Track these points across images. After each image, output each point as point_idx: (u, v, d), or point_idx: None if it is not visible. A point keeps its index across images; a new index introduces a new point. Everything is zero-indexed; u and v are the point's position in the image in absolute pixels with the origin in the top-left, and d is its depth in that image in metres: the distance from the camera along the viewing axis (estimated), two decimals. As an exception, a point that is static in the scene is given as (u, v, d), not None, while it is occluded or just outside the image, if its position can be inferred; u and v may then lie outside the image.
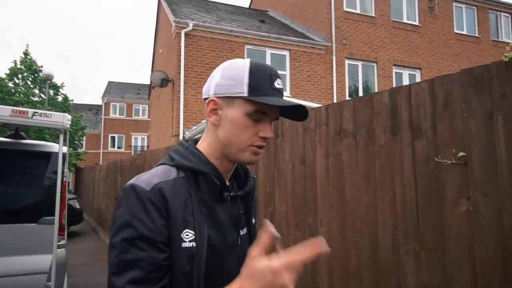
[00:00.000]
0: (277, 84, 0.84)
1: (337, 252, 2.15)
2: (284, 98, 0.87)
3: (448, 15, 12.87)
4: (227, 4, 14.15)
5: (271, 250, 0.62)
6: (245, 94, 0.81)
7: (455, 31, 12.91)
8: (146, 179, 0.80)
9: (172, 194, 0.78)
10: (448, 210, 1.59)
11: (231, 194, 0.89)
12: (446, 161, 1.61)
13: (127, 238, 0.72)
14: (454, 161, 1.58)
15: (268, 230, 0.62)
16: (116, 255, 0.72)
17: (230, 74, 0.84)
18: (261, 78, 0.82)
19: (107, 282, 0.72)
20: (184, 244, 0.76)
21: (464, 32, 13.10)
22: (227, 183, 0.91)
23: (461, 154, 1.55)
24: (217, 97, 0.85)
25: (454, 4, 13.08)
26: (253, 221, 0.99)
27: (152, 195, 0.76)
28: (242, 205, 0.93)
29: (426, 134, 1.72)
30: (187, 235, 0.77)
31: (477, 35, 13.28)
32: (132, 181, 0.80)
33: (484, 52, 13.19)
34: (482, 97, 1.51)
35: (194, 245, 0.77)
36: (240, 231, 0.90)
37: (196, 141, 0.92)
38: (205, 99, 0.88)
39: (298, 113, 0.87)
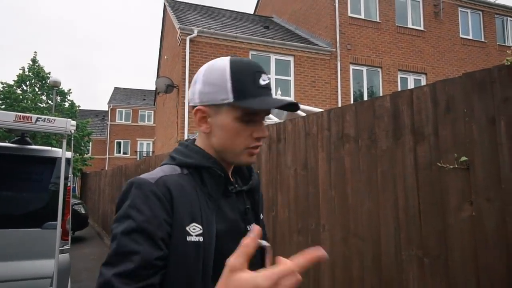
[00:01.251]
0: (263, 80, 0.80)
1: (340, 257, 2.13)
2: (272, 94, 0.84)
3: (453, 20, 12.83)
4: (232, 11, 14.27)
5: (259, 262, 0.51)
6: (231, 100, 0.78)
7: (461, 36, 12.86)
8: (151, 174, 0.79)
9: (178, 187, 0.77)
10: (451, 216, 1.57)
11: (236, 186, 0.87)
12: (448, 165, 1.59)
13: (125, 229, 0.71)
14: (456, 166, 1.56)
15: (254, 235, 0.50)
16: (113, 246, 0.71)
17: (212, 80, 0.80)
18: (245, 79, 0.79)
19: (100, 270, 0.71)
20: (190, 238, 0.74)
21: (470, 37, 13.04)
22: (231, 179, 0.90)
23: (463, 158, 1.53)
24: (204, 105, 0.82)
25: (460, 9, 13.05)
26: (261, 216, 0.97)
27: (156, 187, 0.75)
28: (248, 200, 0.91)
29: (428, 138, 1.70)
30: (194, 229, 0.75)
31: (483, 40, 13.21)
32: (138, 176, 0.80)
33: (490, 57, 13.10)
34: (484, 101, 1.50)
35: (202, 240, 0.75)
36: (248, 227, 0.88)
37: (195, 140, 0.91)
38: (193, 106, 0.86)
39: (288, 106, 0.83)
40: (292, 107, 0.84)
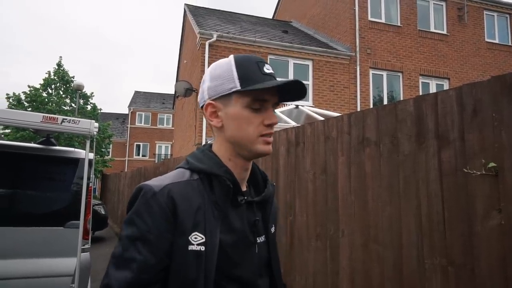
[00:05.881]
0: (266, 69, 0.84)
1: (359, 264, 2.08)
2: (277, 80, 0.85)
3: (478, 24, 12.48)
4: (251, 16, 14.37)
5: None
6: (238, 87, 0.81)
7: (486, 40, 12.49)
8: (158, 180, 0.81)
9: (181, 195, 0.78)
10: (478, 223, 1.51)
11: (246, 198, 0.86)
12: (475, 171, 1.53)
13: (130, 235, 0.74)
14: (484, 172, 1.50)
15: None
16: (119, 249, 0.75)
17: (219, 73, 0.84)
18: (249, 67, 0.82)
19: (106, 269, 0.75)
20: (191, 247, 0.75)
21: (496, 41, 12.64)
22: (244, 189, 0.90)
23: (491, 164, 1.47)
24: (213, 100, 0.85)
25: (485, 12, 12.68)
26: (273, 229, 0.96)
27: (159, 196, 0.76)
28: (259, 212, 0.90)
29: (454, 143, 1.65)
30: (195, 237, 0.76)
31: (510, 44, 12.79)
32: (146, 182, 0.81)
33: (517, 61, 12.66)
34: (514, 105, 1.44)
35: (203, 249, 0.75)
36: (257, 239, 0.88)
37: (212, 145, 0.92)
38: (202, 106, 0.88)
39: (296, 90, 0.85)
40: (300, 92, 0.85)
